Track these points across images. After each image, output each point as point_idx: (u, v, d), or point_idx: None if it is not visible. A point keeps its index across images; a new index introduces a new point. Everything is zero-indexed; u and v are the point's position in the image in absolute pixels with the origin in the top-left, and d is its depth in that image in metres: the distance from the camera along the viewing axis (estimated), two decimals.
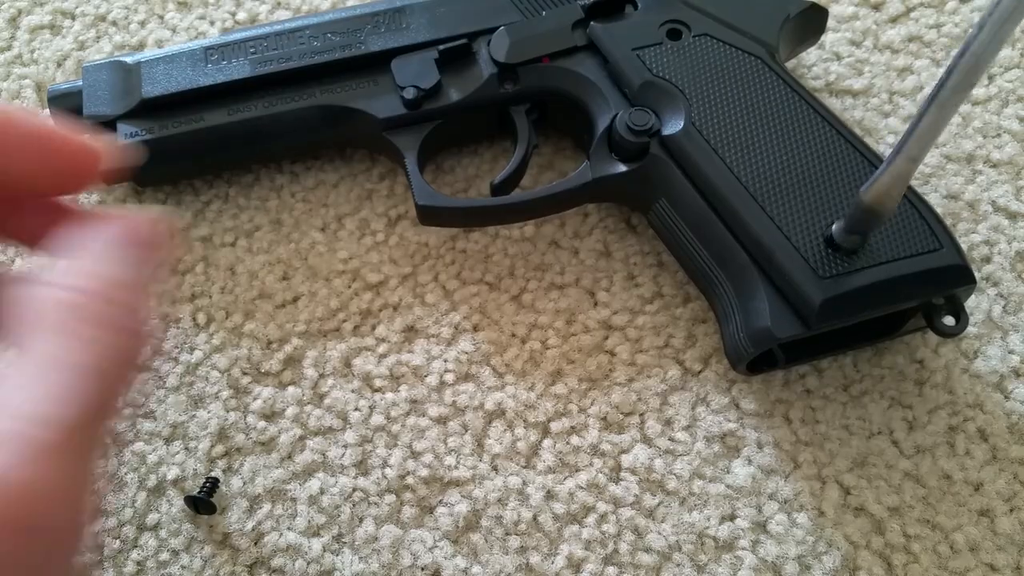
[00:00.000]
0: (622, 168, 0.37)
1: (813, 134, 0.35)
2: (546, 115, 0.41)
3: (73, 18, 0.48)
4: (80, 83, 0.40)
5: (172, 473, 0.36)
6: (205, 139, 0.39)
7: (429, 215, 0.38)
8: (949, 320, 0.34)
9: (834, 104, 0.44)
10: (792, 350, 0.35)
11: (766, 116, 0.36)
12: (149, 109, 0.39)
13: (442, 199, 0.38)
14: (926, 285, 0.33)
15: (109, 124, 0.39)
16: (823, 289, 0.32)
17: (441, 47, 0.39)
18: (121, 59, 0.41)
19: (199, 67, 0.40)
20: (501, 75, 0.39)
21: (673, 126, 0.36)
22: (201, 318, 0.39)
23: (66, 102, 0.40)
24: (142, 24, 0.47)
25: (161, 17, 0.48)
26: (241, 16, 0.47)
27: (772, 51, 0.38)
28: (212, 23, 0.47)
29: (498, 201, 0.38)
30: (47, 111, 0.45)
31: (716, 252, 0.35)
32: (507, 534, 0.35)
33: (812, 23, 0.42)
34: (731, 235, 0.34)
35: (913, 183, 0.41)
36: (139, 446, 0.37)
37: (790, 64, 0.44)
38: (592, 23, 0.39)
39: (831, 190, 0.34)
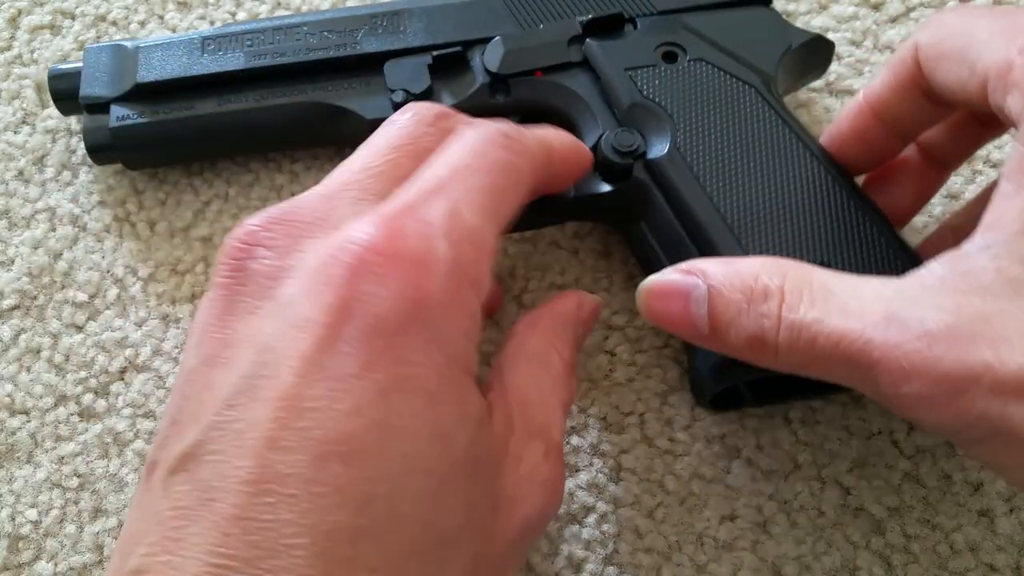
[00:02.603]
0: (604, 188, 0.36)
1: (801, 170, 0.34)
2: None
3: (73, 18, 0.48)
4: (80, 65, 0.41)
5: None
6: (195, 127, 0.39)
7: None
8: None
9: (834, 104, 0.44)
10: (760, 390, 0.34)
11: (754, 147, 0.35)
12: (143, 94, 0.40)
13: None
14: None
15: (103, 106, 0.40)
16: None
17: (435, 53, 0.39)
18: (122, 43, 0.41)
19: (195, 56, 0.40)
20: (493, 85, 0.39)
21: (658, 150, 0.35)
22: None
23: (64, 82, 0.41)
24: (142, 24, 0.47)
25: (161, 17, 0.48)
26: (241, 16, 0.47)
27: (769, 81, 0.37)
28: (212, 23, 0.47)
29: None
30: (50, 108, 0.45)
31: None
32: None
33: (816, 56, 0.40)
34: None
35: None
36: (139, 445, 0.37)
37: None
38: (588, 40, 0.39)
39: (814, 229, 0.33)
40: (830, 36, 0.45)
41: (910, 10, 0.46)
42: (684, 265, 0.29)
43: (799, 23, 0.46)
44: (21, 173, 0.43)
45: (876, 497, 0.35)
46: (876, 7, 0.47)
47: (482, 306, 0.26)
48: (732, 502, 0.35)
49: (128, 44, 0.41)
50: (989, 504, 0.34)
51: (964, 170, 0.42)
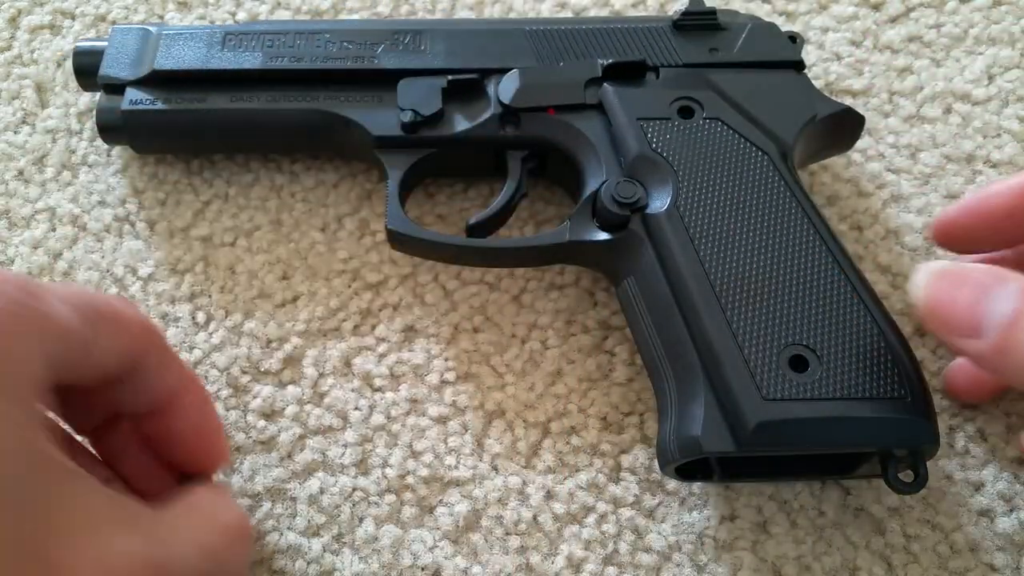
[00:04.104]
0: (600, 236, 0.36)
1: (800, 246, 0.33)
2: (545, 166, 0.40)
3: (73, 18, 0.48)
4: (105, 44, 0.41)
5: None
6: (204, 121, 0.40)
7: (398, 240, 0.38)
8: (906, 476, 0.31)
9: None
10: (732, 466, 0.34)
11: (756, 216, 0.34)
12: (159, 81, 0.40)
13: (412, 228, 0.37)
14: (877, 433, 0.30)
15: (120, 87, 0.40)
16: (762, 411, 0.30)
17: (451, 77, 0.39)
18: (148, 27, 0.41)
19: (214, 49, 0.40)
20: (504, 117, 0.39)
21: (658, 205, 0.35)
22: (201, 317, 0.39)
23: (88, 59, 0.41)
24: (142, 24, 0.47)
25: (161, 17, 0.48)
26: (241, 16, 0.47)
27: (786, 149, 0.36)
28: (212, 23, 0.47)
29: (466, 242, 0.37)
30: (50, 109, 0.45)
31: (669, 345, 0.33)
32: (507, 534, 0.35)
33: (843, 129, 0.39)
34: (687, 331, 0.32)
35: (911, 185, 0.42)
36: None
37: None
38: (606, 84, 0.38)
39: (804, 309, 0.32)
40: (830, 36, 0.45)
41: (910, 10, 0.46)
42: (987, 267, 0.27)
43: (799, 23, 0.46)
44: (21, 173, 0.43)
45: (876, 497, 0.35)
46: (876, 7, 0.47)
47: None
48: (732, 502, 0.35)
49: (153, 29, 0.41)
50: (989, 504, 0.34)
51: (965, 171, 0.42)
